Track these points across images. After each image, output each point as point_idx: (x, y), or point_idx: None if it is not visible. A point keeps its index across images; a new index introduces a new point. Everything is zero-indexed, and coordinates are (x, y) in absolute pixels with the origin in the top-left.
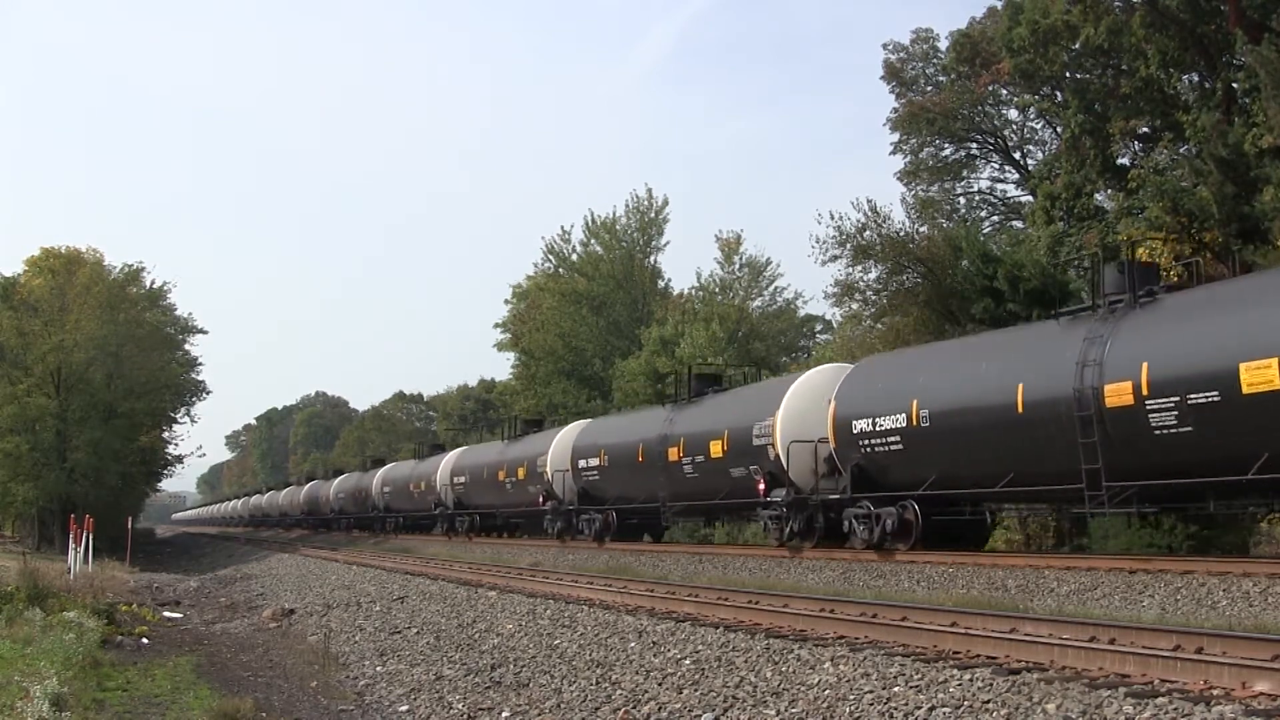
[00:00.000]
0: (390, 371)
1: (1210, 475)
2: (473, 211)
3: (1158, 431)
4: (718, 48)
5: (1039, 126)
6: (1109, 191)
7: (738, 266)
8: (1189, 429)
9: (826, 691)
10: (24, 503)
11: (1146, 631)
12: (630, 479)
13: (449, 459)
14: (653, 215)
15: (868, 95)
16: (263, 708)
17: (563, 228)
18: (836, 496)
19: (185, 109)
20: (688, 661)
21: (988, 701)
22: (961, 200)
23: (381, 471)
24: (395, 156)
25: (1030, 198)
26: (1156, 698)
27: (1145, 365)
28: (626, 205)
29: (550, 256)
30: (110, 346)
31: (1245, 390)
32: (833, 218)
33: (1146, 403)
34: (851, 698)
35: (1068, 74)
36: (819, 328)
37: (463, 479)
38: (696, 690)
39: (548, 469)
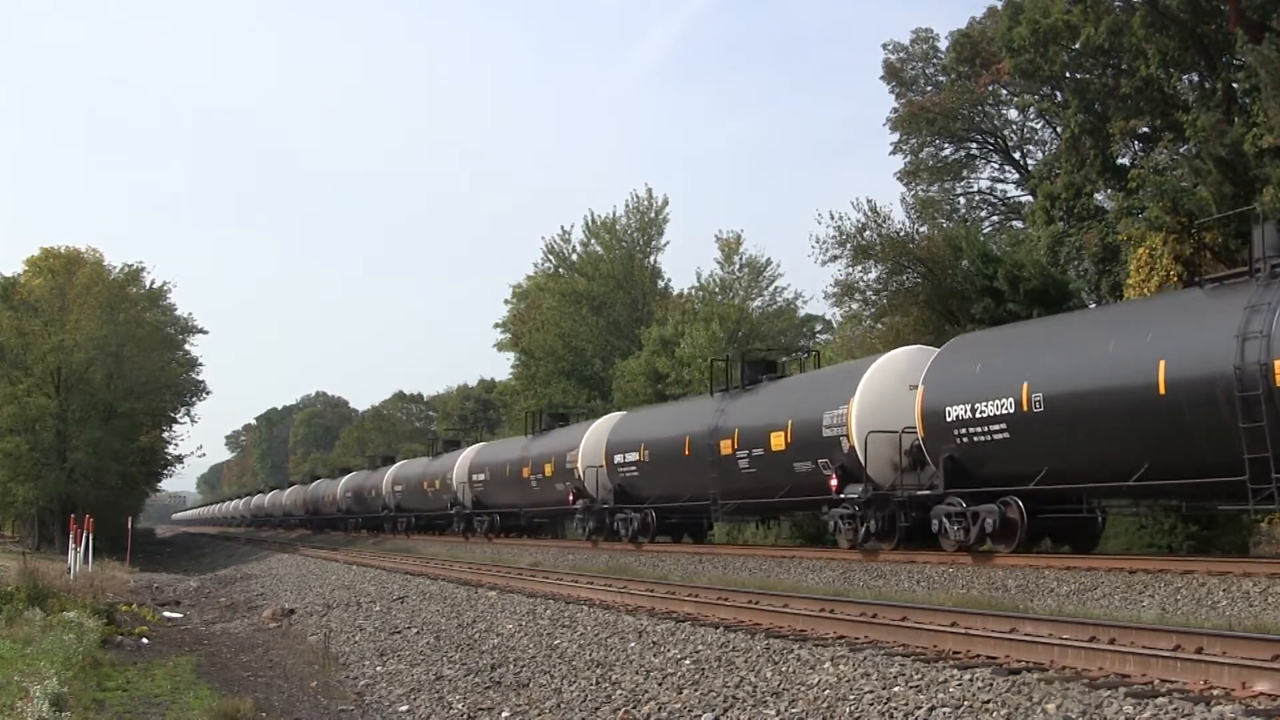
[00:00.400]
0: (390, 371)
1: None
2: (473, 211)
3: None
4: (718, 48)
5: (1039, 126)
6: (1109, 191)
7: (738, 266)
8: None
9: (826, 691)
10: (24, 503)
11: (1146, 631)
12: (674, 475)
13: (467, 455)
14: (653, 215)
15: (868, 95)
16: (263, 708)
17: (563, 228)
18: (926, 492)
19: (185, 109)
20: (688, 661)
21: (988, 701)
22: (961, 200)
23: (392, 469)
24: (395, 156)
25: (1030, 198)
26: (1156, 698)
27: None
28: (626, 205)
29: (550, 256)
30: (110, 346)
31: None
32: (833, 218)
33: None
34: (851, 698)
35: (1068, 74)
36: (819, 328)
37: (482, 476)
38: (696, 690)
39: (579, 465)
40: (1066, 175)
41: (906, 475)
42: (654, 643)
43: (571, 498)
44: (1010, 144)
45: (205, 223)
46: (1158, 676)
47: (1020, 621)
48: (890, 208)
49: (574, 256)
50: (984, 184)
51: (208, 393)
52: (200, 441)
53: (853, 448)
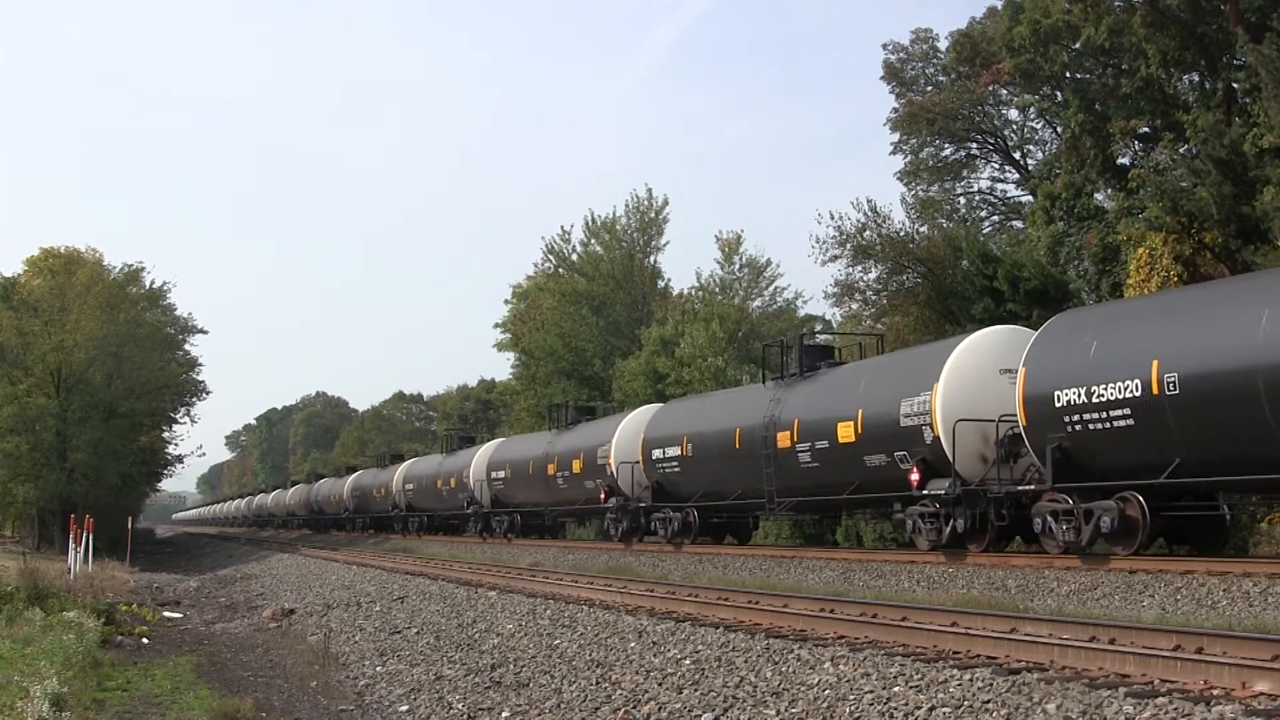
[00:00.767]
0: (390, 371)
1: None
2: (473, 211)
3: None
4: (719, 48)
5: (1039, 126)
6: (1109, 191)
7: (738, 266)
8: None
9: (826, 691)
10: (24, 503)
11: (1146, 631)
12: (723, 471)
13: (484, 451)
14: (653, 215)
15: (868, 95)
16: (263, 708)
17: (563, 228)
18: (1029, 488)
19: (184, 108)
20: (688, 661)
21: (988, 701)
22: (961, 200)
23: (403, 467)
24: (395, 156)
25: (1030, 198)
26: (1156, 698)
27: None
28: (626, 205)
29: (550, 256)
30: (110, 346)
31: None
32: (833, 218)
33: None
34: (851, 698)
35: (1068, 74)
36: (819, 328)
37: (501, 474)
38: (696, 690)
39: (611, 460)
40: (1066, 175)
41: (997, 468)
42: (654, 643)
43: (603, 496)
44: (1010, 144)
45: (205, 222)
46: (1158, 676)
47: (1020, 621)
48: (890, 208)
49: (574, 256)
50: (984, 184)
51: (208, 393)
52: (200, 441)
53: (937, 438)
